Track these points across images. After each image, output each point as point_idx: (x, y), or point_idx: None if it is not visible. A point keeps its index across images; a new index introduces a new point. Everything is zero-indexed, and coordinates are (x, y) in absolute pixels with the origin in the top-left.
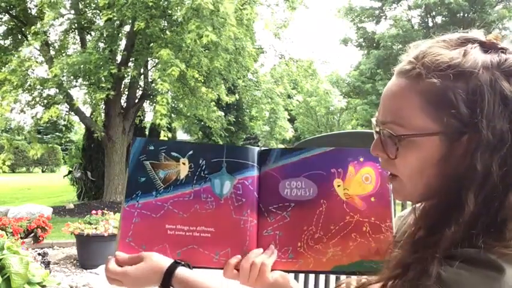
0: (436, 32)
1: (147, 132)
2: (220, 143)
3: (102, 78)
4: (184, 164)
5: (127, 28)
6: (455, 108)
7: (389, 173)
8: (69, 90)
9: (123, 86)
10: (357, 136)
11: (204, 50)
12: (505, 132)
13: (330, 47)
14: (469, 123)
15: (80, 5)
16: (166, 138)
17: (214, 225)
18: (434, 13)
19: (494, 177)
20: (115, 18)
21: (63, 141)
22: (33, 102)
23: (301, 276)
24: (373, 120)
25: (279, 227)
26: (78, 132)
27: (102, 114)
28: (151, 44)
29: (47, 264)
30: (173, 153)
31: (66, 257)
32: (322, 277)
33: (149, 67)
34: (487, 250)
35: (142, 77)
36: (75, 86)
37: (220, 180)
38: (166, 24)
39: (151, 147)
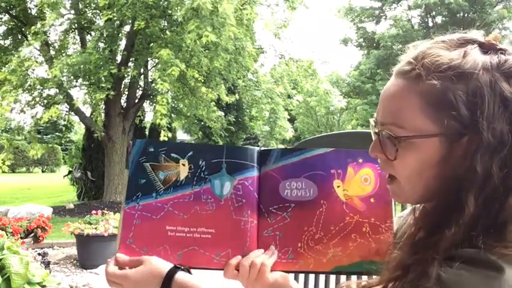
0: (436, 32)
1: (147, 132)
2: (220, 143)
3: (102, 78)
4: (184, 165)
5: (127, 28)
6: (456, 110)
7: (387, 175)
8: (69, 90)
9: (123, 86)
10: (357, 136)
11: (204, 50)
12: (505, 133)
13: (330, 47)
14: (469, 125)
15: (80, 5)
16: (166, 138)
17: (215, 226)
18: (434, 13)
19: (494, 179)
20: (115, 18)
21: (63, 141)
22: (33, 102)
23: (301, 276)
24: (371, 120)
25: (279, 228)
26: (78, 132)
27: (102, 114)
28: (151, 44)
29: (47, 264)
30: (173, 155)
31: (66, 257)
32: (322, 277)
33: (149, 67)
34: (487, 251)
35: (142, 77)
36: (75, 86)
37: (220, 181)
38: (166, 24)
39: (151, 149)
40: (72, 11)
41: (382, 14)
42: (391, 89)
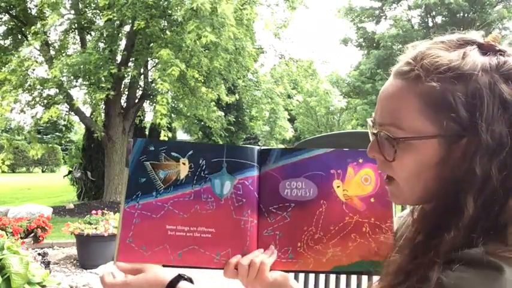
0: (436, 32)
1: (147, 132)
2: (220, 143)
3: (102, 78)
4: (184, 164)
5: (127, 28)
6: (455, 112)
7: (385, 176)
8: (69, 91)
9: (123, 86)
10: (357, 136)
11: (204, 50)
12: (504, 136)
13: (330, 47)
14: (468, 127)
15: (80, 5)
16: (166, 138)
17: (215, 225)
18: (434, 13)
19: (493, 181)
20: (115, 18)
21: (63, 141)
22: (33, 102)
23: (301, 276)
24: (369, 120)
25: (279, 227)
26: (78, 132)
27: (102, 114)
28: (151, 44)
29: (47, 264)
30: (173, 154)
31: (66, 257)
32: (322, 277)
33: (149, 67)
34: (487, 253)
35: (142, 77)
36: (75, 86)
37: (221, 180)
38: (166, 24)
39: (152, 148)
40: (72, 11)
41: (382, 14)
42: (390, 89)
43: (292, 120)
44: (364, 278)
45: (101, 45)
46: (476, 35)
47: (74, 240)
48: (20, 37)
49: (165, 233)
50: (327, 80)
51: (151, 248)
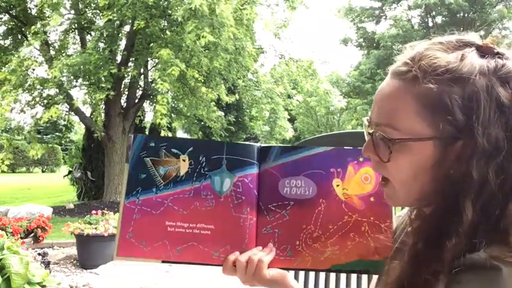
0: (436, 32)
1: (147, 132)
2: None
3: (102, 78)
4: (184, 160)
5: (127, 28)
6: (451, 114)
7: (380, 178)
8: (69, 91)
9: (123, 86)
10: (357, 136)
11: (204, 50)
12: (500, 139)
13: (330, 47)
14: (464, 130)
15: (80, 5)
16: None
17: (214, 222)
18: (434, 13)
19: (491, 185)
20: (115, 18)
21: (63, 141)
22: (33, 102)
23: (302, 276)
24: (365, 120)
25: (278, 226)
26: (78, 132)
27: (102, 114)
28: (151, 44)
29: (47, 264)
30: (173, 150)
31: (66, 257)
32: (322, 277)
33: (149, 67)
34: (491, 257)
35: (142, 77)
36: (75, 86)
37: (220, 177)
38: (166, 24)
39: (152, 144)
40: (72, 11)
41: (382, 14)
42: (387, 89)
43: (292, 120)
44: (364, 277)
45: (101, 45)
46: (475, 37)
47: (74, 240)
48: (20, 37)
49: (164, 229)
50: (327, 80)
51: (151, 243)
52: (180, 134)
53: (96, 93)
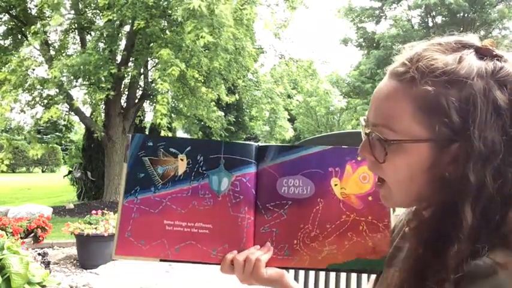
0: (436, 32)
1: (147, 132)
2: None
3: (102, 78)
4: (182, 160)
5: (127, 28)
6: (448, 117)
7: (377, 179)
8: (69, 91)
9: (123, 86)
10: (357, 136)
11: (204, 50)
12: (497, 143)
13: (330, 47)
14: (460, 132)
15: (80, 5)
16: None
17: (212, 221)
18: (434, 13)
19: (489, 189)
20: (115, 18)
21: (63, 141)
22: (33, 102)
23: (302, 275)
24: (362, 119)
25: (276, 225)
26: (78, 132)
27: (102, 114)
28: (151, 43)
29: (47, 264)
30: (171, 149)
31: (66, 257)
32: (322, 277)
33: (149, 67)
34: (496, 263)
35: (142, 77)
36: (75, 86)
37: (218, 176)
38: (166, 24)
39: (150, 143)
40: (72, 11)
41: (382, 14)
42: (384, 90)
43: (292, 120)
44: (364, 277)
45: (101, 45)
46: (473, 38)
47: (74, 240)
48: (20, 37)
49: (163, 228)
50: (327, 80)
51: (149, 242)
52: (180, 134)
53: (96, 93)
